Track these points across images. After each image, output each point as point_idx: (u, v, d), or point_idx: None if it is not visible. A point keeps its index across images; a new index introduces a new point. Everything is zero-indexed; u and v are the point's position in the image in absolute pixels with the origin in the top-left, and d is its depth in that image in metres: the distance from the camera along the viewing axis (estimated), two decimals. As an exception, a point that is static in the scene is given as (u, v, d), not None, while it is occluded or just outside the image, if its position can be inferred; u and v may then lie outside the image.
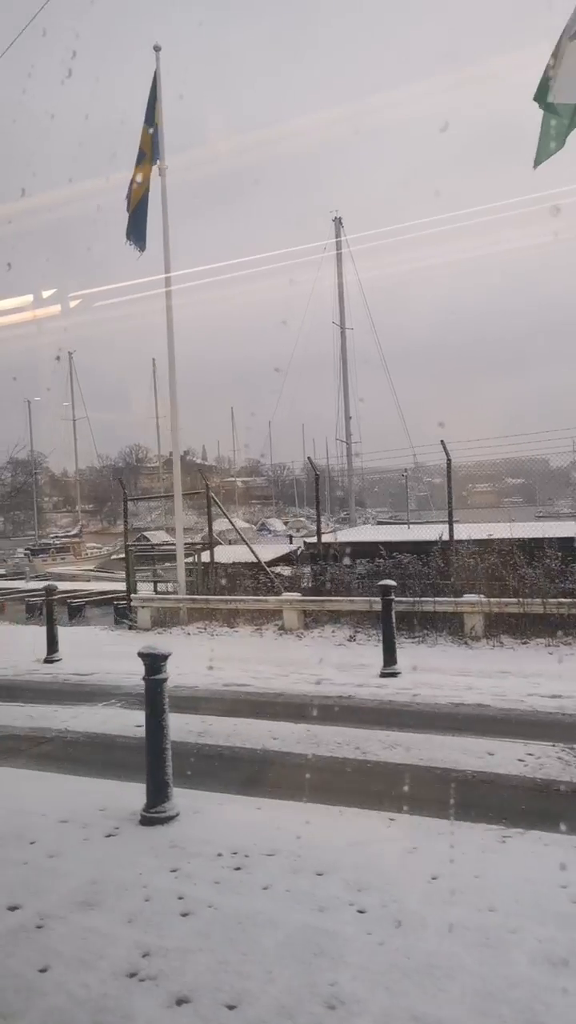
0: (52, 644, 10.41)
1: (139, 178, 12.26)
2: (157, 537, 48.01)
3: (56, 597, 10.82)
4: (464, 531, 12.40)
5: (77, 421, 68.29)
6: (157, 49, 13.28)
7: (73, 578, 37.06)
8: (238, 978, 2.94)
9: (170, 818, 4.51)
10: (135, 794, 5.06)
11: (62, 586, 31.09)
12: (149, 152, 12.56)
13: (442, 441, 12.84)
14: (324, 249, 38.76)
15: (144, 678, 4.62)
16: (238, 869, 3.87)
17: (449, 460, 12.88)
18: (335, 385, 39.92)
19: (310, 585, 12.74)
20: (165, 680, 4.61)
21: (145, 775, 5.29)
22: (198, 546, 16.24)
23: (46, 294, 16.13)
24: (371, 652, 10.05)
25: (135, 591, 16.05)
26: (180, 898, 3.59)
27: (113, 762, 6.00)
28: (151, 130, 12.69)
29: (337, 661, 9.54)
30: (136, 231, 12.39)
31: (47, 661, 10.27)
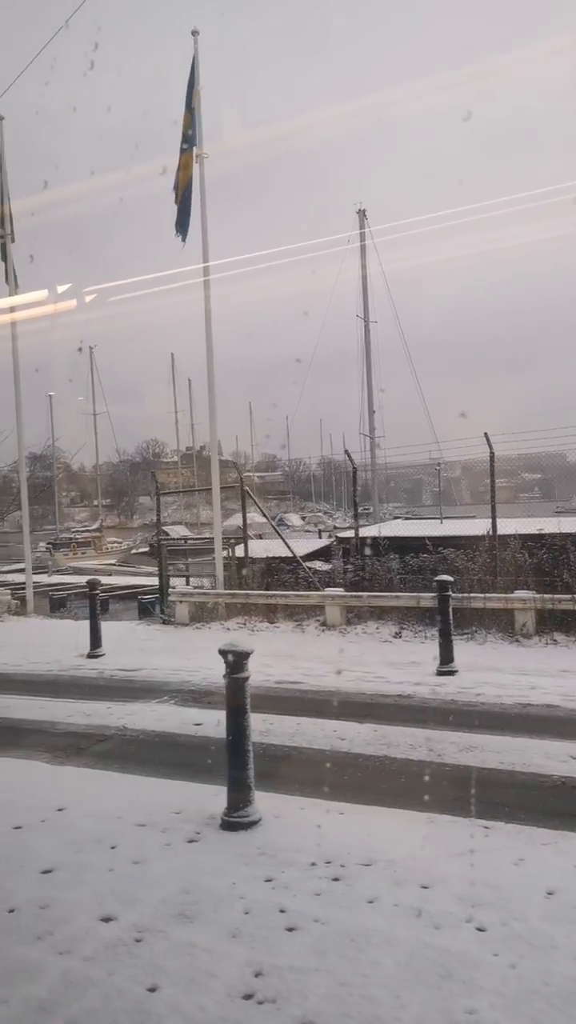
0: (95, 639, 10.27)
1: (184, 166, 12.04)
2: (176, 531, 47.95)
3: (98, 592, 10.65)
4: (509, 526, 12.11)
5: (96, 416, 68.28)
6: (195, 34, 13.08)
7: (95, 572, 37.09)
8: (365, 1003, 2.74)
9: (253, 823, 4.32)
10: (208, 796, 4.90)
11: (83, 580, 31.20)
12: (193, 137, 12.35)
13: (485, 434, 12.60)
14: (348, 241, 38.35)
15: (225, 676, 4.43)
16: (336, 880, 3.67)
17: (492, 453, 12.63)
18: (356, 379, 39.52)
19: (351, 580, 12.50)
20: (247, 679, 4.41)
21: (223, 777, 5.14)
22: (231, 540, 16.05)
23: (61, 288, 15.95)
24: (420, 649, 9.83)
25: (167, 585, 15.93)
26: (282, 911, 3.40)
27: (177, 761, 5.82)
28: (191, 114, 12.48)
29: (387, 658, 9.32)
30: (182, 221, 12.19)
31: (90, 656, 10.12)
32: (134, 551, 51.25)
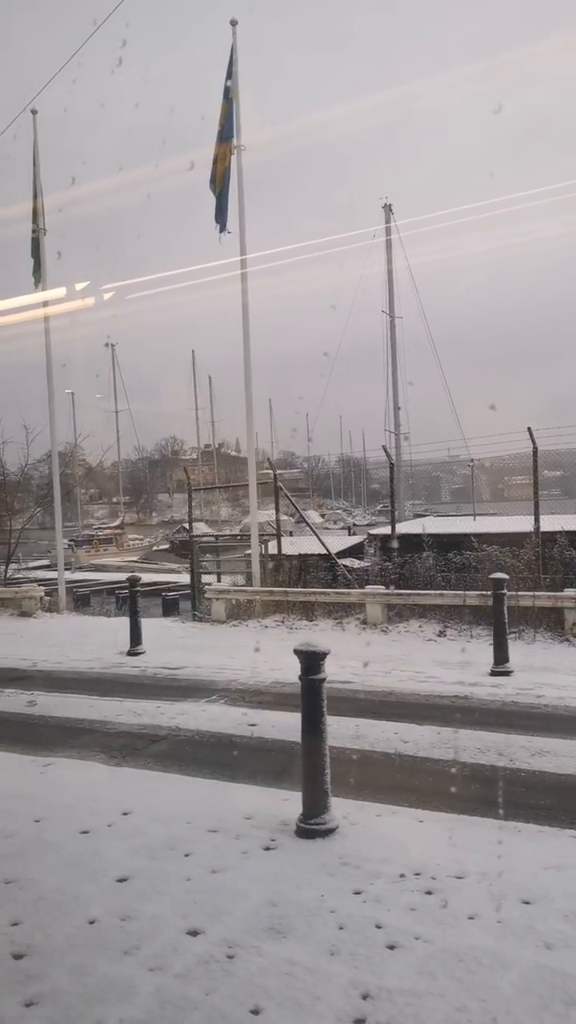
0: (136, 637, 10.14)
1: (221, 157, 11.87)
2: (197, 528, 47.98)
3: (139, 589, 10.51)
4: (554, 523, 11.84)
5: (114, 413, 68.29)
6: (234, 23, 12.88)
7: (118, 569, 37.10)
8: (489, 1032, 2.54)
9: (330, 831, 4.14)
10: (277, 801, 4.74)
11: (107, 577, 31.25)
12: (230, 128, 12.18)
13: (528, 428, 12.33)
14: (373, 236, 38.01)
15: (300, 677, 4.24)
16: (430, 893, 3.48)
17: (535, 448, 12.36)
18: (376, 375, 39.24)
19: (392, 578, 12.28)
20: (324, 680, 4.22)
21: (289, 780, 5.02)
22: (263, 537, 15.89)
23: (80, 286, 15.95)
24: (469, 648, 9.61)
25: (200, 583, 15.79)
26: (378, 927, 3.21)
27: (236, 763, 5.66)
28: (228, 104, 12.31)
29: (434, 657, 9.11)
30: (221, 212, 12.03)
31: (131, 654, 10.00)
32: (155, 548, 51.37)
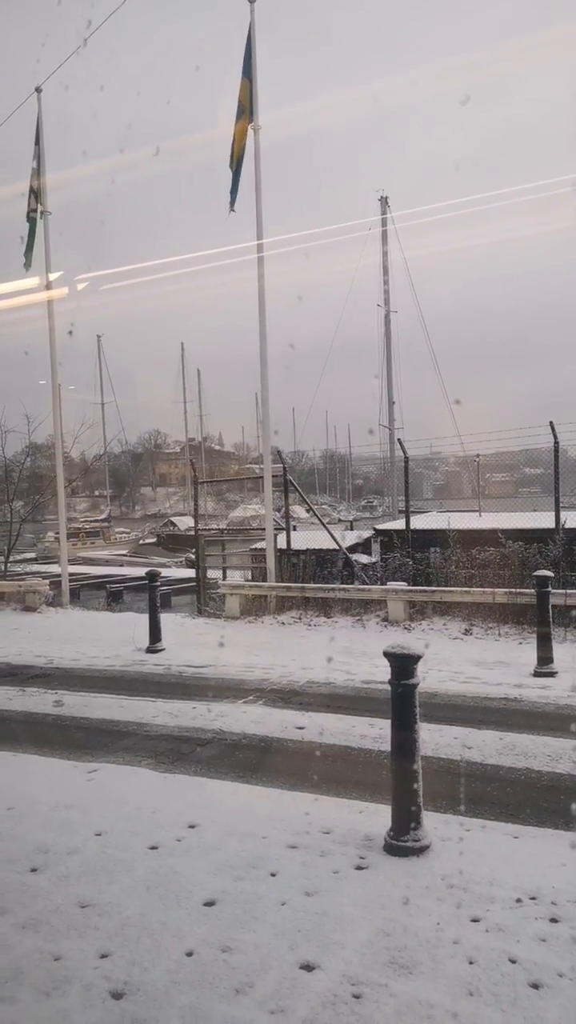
0: (155, 633, 9.78)
1: (239, 134, 11.51)
2: (184, 523, 47.60)
3: (158, 584, 10.13)
4: (574, 520, 11.61)
5: (100, 405, 67.47)
6: (252, 0, 12.51)
7: (106, 563, 36.65)
8: None
9: (423, 848, 3.83)
10: (351, 813, 4.45)
11: (96, 571, 30.77)
12: (248, 106, 11.81)
13: (551, 422, 12.07)
14: (368, 229, 37.71)
15: (391, 682, 3.92)
16: (555, 921, 3.18)
17: (556, 442, 12.11)
18: (366, 371, 38.97)
19: (411, 574, 12.00)
20: (417, 686, 3.90)
21: (357, 790, 4.78)
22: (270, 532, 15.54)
23: (52, 276, 15.56)
24: (498, 647, 9.37)
25: (205, 577, 15.44)
26: (512, 961, 2.91)
27: (293, 769, 5.33)
28: (249, 83, 11.94)
29: (469, 656, 8.84)
30: (233, 190, 11.70)
31: (150, 651, 9.63)
32: (143, 542, 50.88)
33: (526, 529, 11.89)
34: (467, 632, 10.30)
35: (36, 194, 15.95)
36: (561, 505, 11.71)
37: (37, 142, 15.76)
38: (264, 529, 13.96)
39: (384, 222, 38.57)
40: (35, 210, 15.85)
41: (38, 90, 15.54)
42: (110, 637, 11.04)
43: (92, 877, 3.68)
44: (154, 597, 9.84)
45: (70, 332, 15.00)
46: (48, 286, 15.38)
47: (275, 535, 13.86)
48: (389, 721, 3.99)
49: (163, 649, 9.66)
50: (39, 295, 15.75)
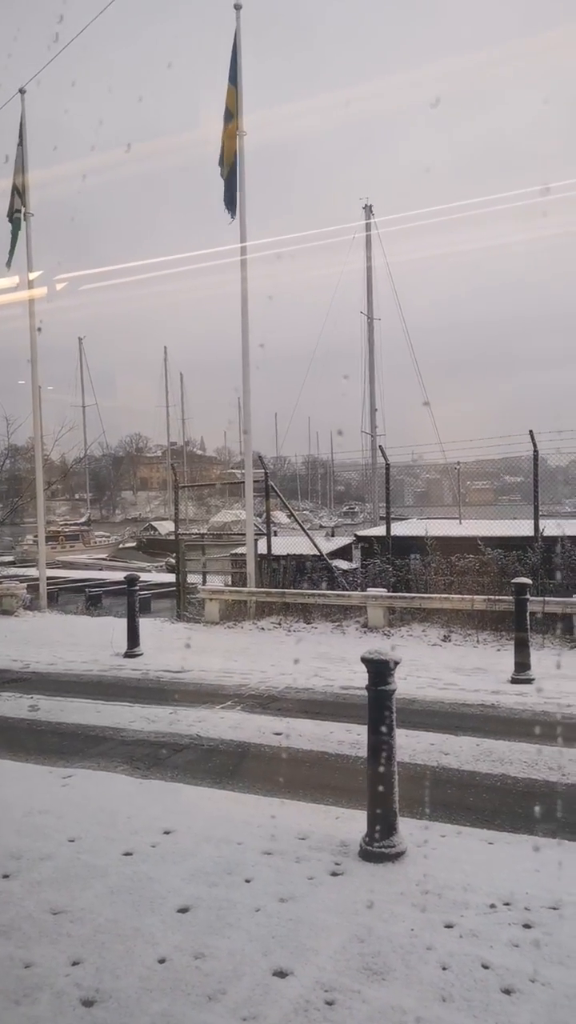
0: (133, 637, 9.72)
1: (227, 141, 11.53)
2: (164, 527, 47.43)
3: (137, 588, 10.07)
4: (554, 528, 11.71)
5: (81, 408, 67.04)
6: (238, 7, 12.58)
7: (85, 566, 36.41)
8: None
9: (399, 854, 3.83)
10: (328, 819, 4.45)
11: (75, 575, 30.55)
12: (236, 111, 11.85)
13: (531, 431, 12.16)
14: (352, 236, 37.89)
15: (368, 688, 3.92)
16: (528, 927, 3.20)
17: (536, 451, 12.18)
18: (352, 377, 39.08)
19: (391, 581, 12.04)
20: (394, 691, 3.91)
21: (333, 796, 4.81)
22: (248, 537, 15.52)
23: (32, 275, 15.52)
24: (476, 654, 9.43)
25: (185, 582, 15.38)
26: (485, 967, 2.92)
27: (271, 776, 5.32)
28: (235, 89, 11.98)
29: (447, 663, 8.88)
30: (230, 197, 11.69)
31: (128, 655, 9.58)
32: (122, 546, 50.62)
33: (505, 537, 11.98)
34: (446, 639, 10.35)
35: (19, 194, 15.89)
36: (540, 513, 11.80)
37: (20, 143, 15.71)
38: (245, 534, 13.95)
39: (368, 227, 38.76)
40: (19, 210, 15.78)
41: (21, 91, 15.52)
42: (88, 641, 10.97)
43: (65, 883, 3.64)
44: (133, 602, 9.78)
45: (39, 329, 14.88)
46: (29, 285, 15.31)
47: (256, 540, 13.83)
48: (364, 726, 4.00)
49: (141, 654, 9.62)
50: (19, 295, 15.67)
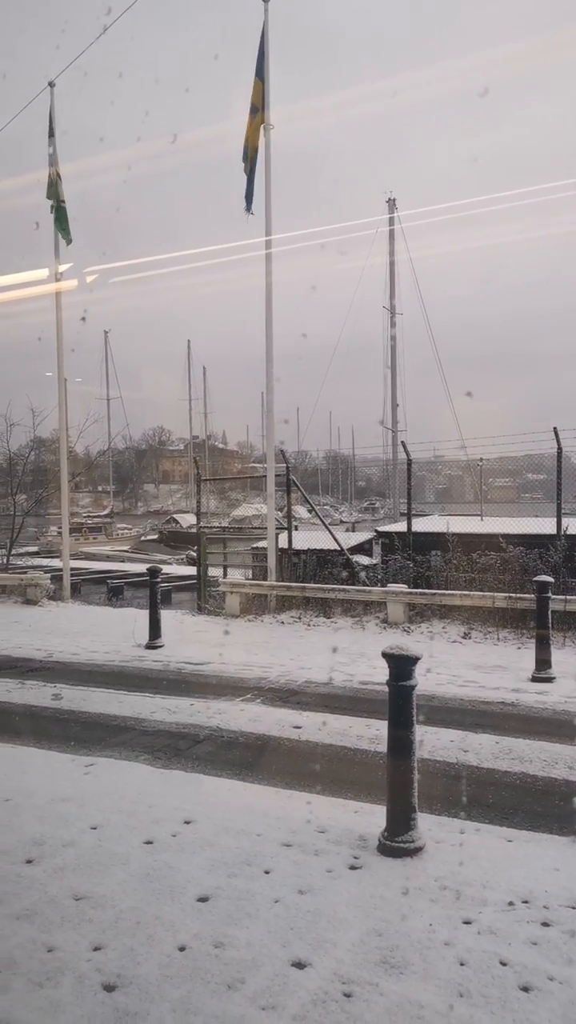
0: (155, 629, 9.80)
1: (252, 135, 11.53)
2: (186, 520, 47.62)
3: (159, 580, 10.13)
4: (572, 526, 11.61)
5: (105, 401, 67.31)
6: (266, 0, 12.53)
7: (107, 558, 36.67)
8: None
9: (417, 849, 3.85)
10: (347, 813, 4.46)
11: (97, 566, 30.79)
12: (261, 106, 11.84)
13: (555, 428, 12.06)
14: (375, 230, 37.70)
15: (388, 683, 3.93)
16: (547, 925, 3.20)
17: (560, 448, 12.10)
18: (374, 372, 39.01)
19: (411, 576, 12.02)
20: (414, 687, 3.91)
21: (353, 790, 4.81)
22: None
23: (62, 267, 15.58)
24: (497, 652, 9.38)
25: (206, 575, 15.44)
26: (503, 964, 2.93)
27: (290, 769, 5.34)
28: (262, 84, 11.97)
29: (466, 660, 8.85)
30: (249, 191, 11.71)
31: (149, 647, 9.66)
32: (144, 538, 50.95)
33: (527, 534, 11.90)
34: (466, 636, 10.31)
35: (53, 185, 15.97)
36: (563, 511, 11.71)
37: (51, 135, 15.80)
38: (266, 528, 13.98)
39: (391, 221, 38.54)
40: (63, 201, 15.79)
41: (51, 84, 15.59)
42: (110, 632, 11.07)
43: (87, 870, 3.70)
44: (155, 593, 9.85)
45: (83, 319, 14.98)
46: (56, 278, 15.40)
47: (277, 534, 13.86)
48: (386, 722, 4.01)
49: (162, 645, 9.69)
50: (47, 287, 15.77)
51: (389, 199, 38.92)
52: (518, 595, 10.20)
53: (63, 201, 14.91)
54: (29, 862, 3.78)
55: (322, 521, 15.00)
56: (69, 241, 15.12)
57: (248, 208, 11.88)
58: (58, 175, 14.89)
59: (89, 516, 58.48)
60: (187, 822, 4.26)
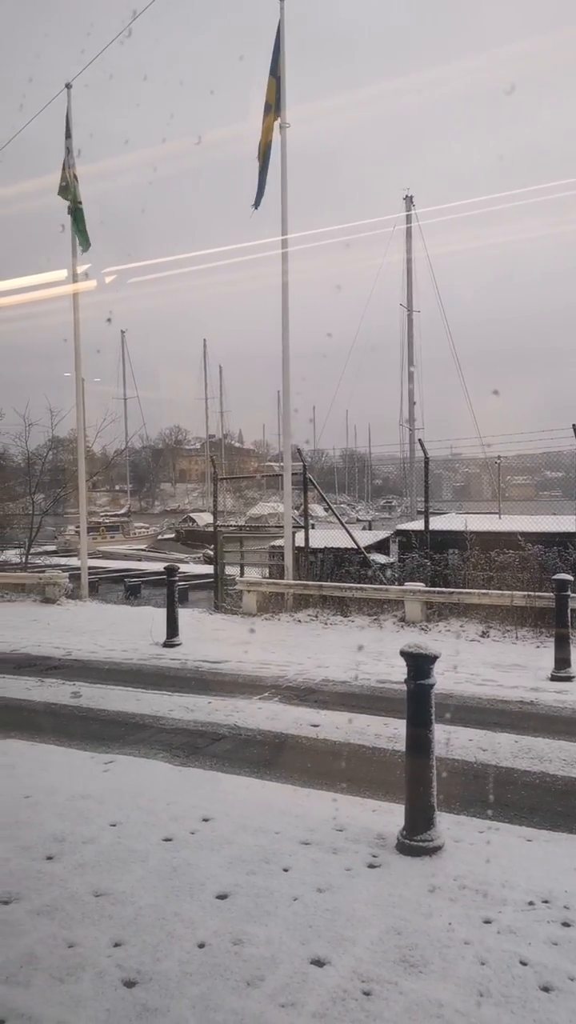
0: (172, 627, 9.84)
1: (265, 130, 11.57)
2: (202, 519, 47.75)
3: (176, 579, 10.17)
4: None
5: (122, 400, 67.55)
6: (282, -1, 12.53)
7: (125, 557, 36.83)
8: None
9: (436, 848, 3.83)
10: (365, 811, 4.46)
11: (115, 565, 30.94)
12: (275, 103, 11.85)
13: (574, 425, 11.95)
14: (393, 227, 37.57)
15: (407, 682, 3.92)
16: (568, 925, 3.18)
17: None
18: (390, 370, 38.89)
19: (428, 575, 11.97)
20: (433, 686, 3.90)
21: (370, 788, 4.82)
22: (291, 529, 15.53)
23: (81, 268, 15.65)
24: (515, 650, 9.33)
25: (223, 573, 15.47)
26: (523, 963, 2.91)
27: (308, 767, 5.34)
28: (276, 81, 11.98)
29: (485, 659, 8.81)
30: (259, 187, 11.76)
31: (167, 645, 9.70)
32: (161, 537, 51.16)
33: (546, 532, 11.82)
34: (484, 634, 10.26)
35: (68, 188, 16.06)
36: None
37: (68, 135, 15.88)
38: (282, 527, 14.00)
39: (408, 219, 38.38)
40: (80, 202, 15.88)
41: (68, 86, 15.68)
42: (128, 630, 11.13)
43: (107, 867, 3.72)
44: (172, 592, 9.89)
45: (108, 320, 15.13)
46: (74, 279, 15.50)
47: (293, 533, 13.86)
48: (403, 721, 4.00)
49: (180, 644, 9.73)
50: (66, 288, 15.87)
51: (406, 196, 38.83)
52: (537, 593, 10.14)
53: (79, 202, 14.98)
54: (50, 858, 3.81)
55: (339, 519, 14.99)
56: (86, 247, 15.15)
57: (255, 205, 11.93)
58: (75, 177, 14.97)
59: (106, 515, 58.83)
60: (205, 820, 4.28)
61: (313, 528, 15.95)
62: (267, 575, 15.22)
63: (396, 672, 8.07)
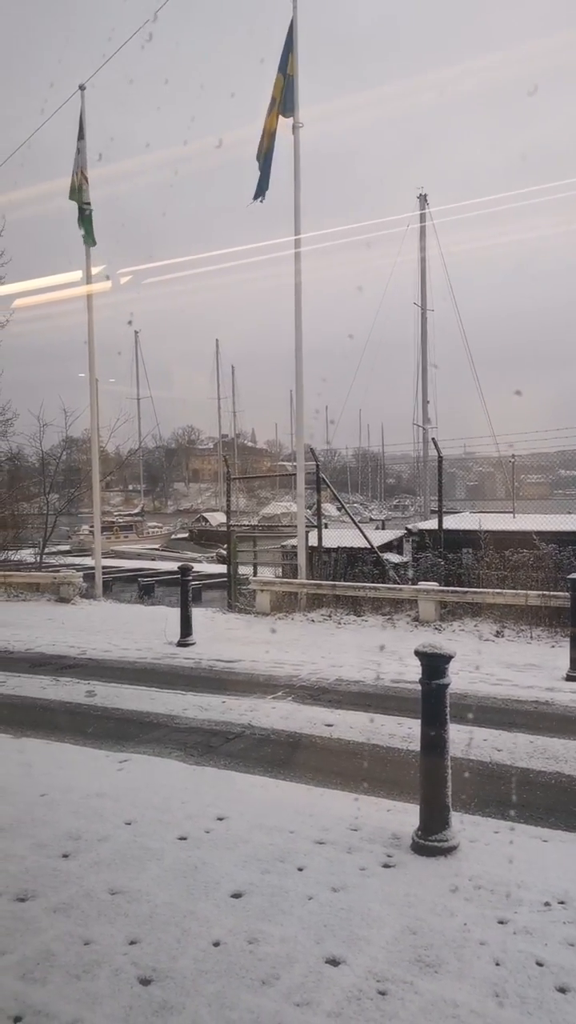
0: (186, 627, 9.86)
1: (269, 127, 11.62)
2: (215, 518, 47.82)
3: (190, 578, 10.20)
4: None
5: (136, 400, 67.76)
6: (295, -1, 12.53)
7: (138, 556, 36.97)
8: None
9: (451, 848, 3.82)
10: (379, 811, 4.45)
11: (128, 564, 31.04)
12: (279, 99, 11.88)
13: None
14: (407, 226, 37.44)
15: (421, 681, 3.91)
16: (584, 926, 3.15)
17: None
18: (404, 369, 38.82)
19: (442, 574, 11.94)
20: (448, 685, 3.89)
21: (385, 788, 4.80)
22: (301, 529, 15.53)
23: (95, 269, 15.73)
24: (530, 650, 9.28)
25: (236, 573, 15.49)
26: (539, 964, 2.90)
27: (322, 766, 5.34)
28: (283, 78, 12.00)
29: (499, 659, 8.77)
30: (260, 181, 11.82)
31: (181, 644, 9.72)
32: (174, 536, 51.29)
33: (561, 531, 11.76)
34: (498, 634, 10.22)
35: (78, 190, 16.14)
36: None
37: (81, 137, 15.96)
38: (295, 526, 14.00)
39: (422, 217, 38.24)
40: (88, 203, 15.98)
41: (81, 88, 15.75)
42: (141, 630, 11.17)
43: (122, 865, 3.74)
44: (186, 591, 9.92)
45: (129, 322, 15.25)
46: (88, 280, 15.57)
47: (307, 532, 13.85)
48: (417, 720, 3.99)
49: (194, 643, 9.75)
50: (80, 289, 15.96)
51: (420, 195, 38.62)
52: (552, 593, 10.09)
53: (87, 203, 15.09)
54: (65, 856, 3.83)
55: (352, 519, 14.96)
56: (91, 243, 15.35)
57: (255, 198, 11.98)
58: (85, 178, 15.05)
59: (120, 515, 59.04)
60: (220, 818, 4.29)
61: (326, 527, 15.95)
62: (280, 575, 15.23)
63: (410, 671, 8.06)
